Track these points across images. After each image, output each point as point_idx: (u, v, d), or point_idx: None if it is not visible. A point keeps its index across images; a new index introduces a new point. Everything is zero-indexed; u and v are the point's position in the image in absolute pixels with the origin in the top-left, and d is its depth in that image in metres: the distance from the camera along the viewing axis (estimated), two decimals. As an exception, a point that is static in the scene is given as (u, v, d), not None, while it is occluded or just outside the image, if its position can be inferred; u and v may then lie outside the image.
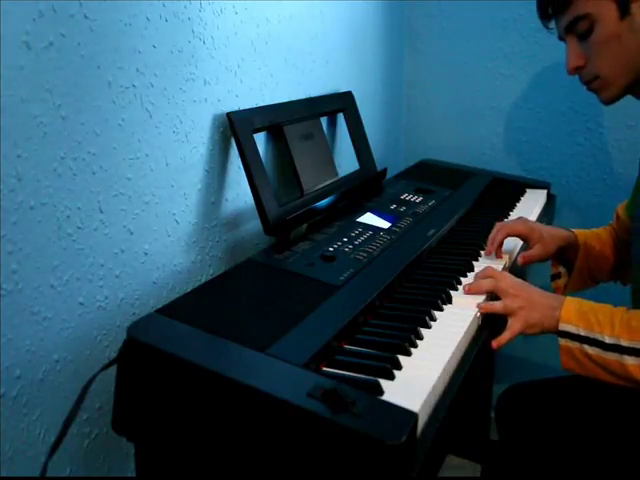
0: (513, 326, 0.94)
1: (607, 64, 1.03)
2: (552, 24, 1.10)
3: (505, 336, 0.93)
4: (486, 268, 1.01)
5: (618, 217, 1.29)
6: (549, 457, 1.08)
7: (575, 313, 0.93)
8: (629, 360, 0.88)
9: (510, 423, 1.21)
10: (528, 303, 0.94)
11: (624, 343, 0.89)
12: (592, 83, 1.07)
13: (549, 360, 1.85)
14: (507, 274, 1.00)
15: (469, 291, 0.98)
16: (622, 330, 0.89)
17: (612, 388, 0.95)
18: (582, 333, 0.92)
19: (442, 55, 1.88)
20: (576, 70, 1.07)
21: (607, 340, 0.90)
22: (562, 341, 0.94)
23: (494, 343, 0.93)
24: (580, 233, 1.26)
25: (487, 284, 0.97)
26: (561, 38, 1.09)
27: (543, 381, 1.24)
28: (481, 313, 0.93)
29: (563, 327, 0.93)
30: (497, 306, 0.95)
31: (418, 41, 1.90)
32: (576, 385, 1.18)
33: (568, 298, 0.96)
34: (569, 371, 0.96)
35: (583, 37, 1.03)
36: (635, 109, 1.65)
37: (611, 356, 0.90)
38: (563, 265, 1.29)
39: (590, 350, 0.91)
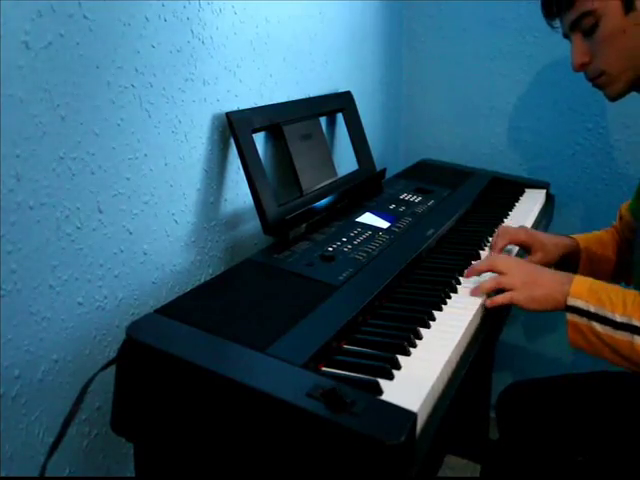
0: (512, 294, 0.94)
1: (612, 59, 1.03)
2: (557, 22, 1.10)
3: (500, 298, 0.94)
4: (487, 258, 1.02)
5: (621, 217, 1.28)
6: (549, 456, 1.08)
7: (586, 290, 0.92)
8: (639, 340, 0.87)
9: (510, 421, 1.21)
10: (532, 279, 0.95)
11: (636, 323, 0.87)
12: (598, 79, 1.07)
13: (549, 359, 1.85)
14: (507, 261, 1.00)
15: (475, 292, 0.97)
16: (634, 310, 0.88)
17: (613, 386, 0.95)
18: (592, 310, 0.90)
19: (441, 55, 1.88)
20: (582, 67, 1.07)
21: (618, 319, 0.88)
22: (570, 316, 0.92)
23: (488, 301, 0.94)
24: (581, 239, 1.25)
25: (490, 284, 0.96)
26: (566, 36, 1.09)
27: (544, 379, 1.24)
28: (485, 305, 0.93)
29: (572, 302, 0.91)
30: (505, 299, 0.94)
31: (417, 41, 1.90)
32: (577, 384, 1.18)
33: (578, 276, 0.95)
34: (576, 348, 0.94)
35: (588, 33, 1.03)
36: (634, 109, 1.66)
37: (621, 335, 0.88)
38: (565, 270, 1.28)
39: (599, 328, 0.90)
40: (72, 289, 0.84)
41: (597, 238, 1.28)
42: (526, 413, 1.18)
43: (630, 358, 0.89)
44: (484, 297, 0.97)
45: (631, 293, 0.91)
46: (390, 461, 0.59)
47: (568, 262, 1.25)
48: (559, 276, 0.96)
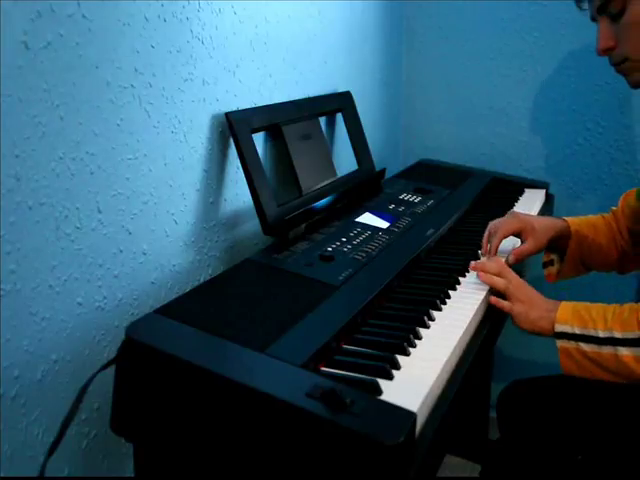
0: (512, 306, 0.99)
1: (637, 46, 1.02)
2: (585, 5, 1.09)
3: (503, 303, 1.00)
4: (498, 262, 1.05)
5: (625, 203, 1.28)
6: (550, 455, 1.08)
7: (570, 313, 0.96)
8: (623, 351, 0.90)
9: (511, 420, 1.21)
10: (530, 302, 1.00)
11: (617, 335, 0.90)
12: (621, 65, 1.06)
13: (548, 358, 1.84)
14: (515, 276, 1.03)
15: (482, 279, 1.01)
16: (614, 322, 0.91)
17: (614, 386, 0.95)
18: (577, 331, 0.94)
19: (441, 55, 1.88)
20: (606, 52, 1.07)
21: (601, 334, 0.91)
22: (559, 342, 0.96)
23: (493, 298, 0.99)
24: (573, 222, 1.26)
25: (500, 284, 1.01)
26: (593, 19, 1.09)
27: (544, 378, 1.24)
28: (488, 302, 0.99)
29: (559, 328, 0.95)
30: (506, 306, 1.00)
31: (417, 41, 1.90)
32: (578, 383, 1.18)
33: (564, 302, 0.99)
34: (570, 374, 0.97)
35: (615, 18, 1.03)
36: (634, 109, 1.66)
37: (606, 350, 0.91)
38: (556, 253, 1.30)
39: (586, 347, 0.93)
40: (71, 289, 0.83)
41: (590, 223, 1.28)
42: (527, 412, 1.18)
43: (619, 372, 0.92)
44: (484, 295, 0.98)
45: (611, 307, 0.94)
46: (389, 461, 0.59)
47: (558, 244, 1.26)
48: (549, 304, 1.00)
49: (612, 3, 1.02)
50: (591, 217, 1.31)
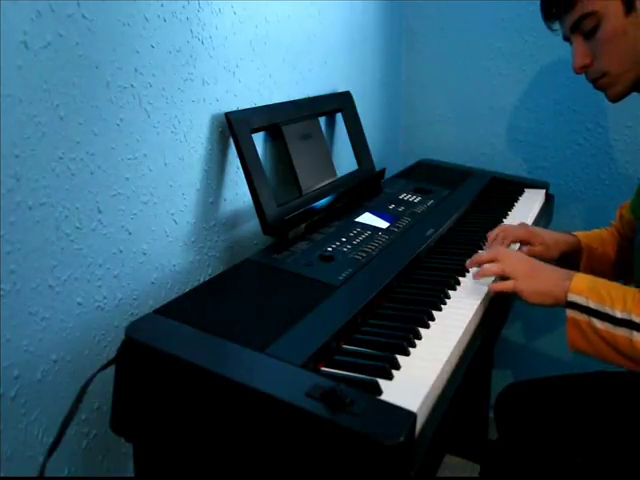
0: (515, 283, 0.96)
1: (614, 60, 1.03)
2: (556, 25, 1.10)
3: (503, 284, 0.96)
4: (490, 249, 1.04)
5: (621, 217, 1.29)
6: (548, 456, 1.08)
7: (586, 286, 0.92)
8: (638, 337, 0.87)
9: (509, 421, 1.21)
10: (534, 273, 0.97)
11: (635, 319, 0.87)
12: (599, 81, 1.07)
13: (548, 359, 1.85)
14: (511, 253, 1.01)
15: (478, 276, 0.99)
16: (635, 306, 0.88)
17: (611, 386, 0.95)
18: (592, 306, 0.90)
19: (440, 55, 1.88)
20: (583, 69, 1.07)
21: (618, 315, 0.88)
22: (570, 313, 0.92)
23: (491, 286, 0.97)
24: (582, 236, 1.26)
25: (493, 269, 0.98)
26: (566, 38, 1.09)
27: (542, 380, 1.24)
28: (489, 292, 0.97)
29: (572, 298, 0.92)
30: (508, 285, 0.97)
31: (416, 41, 1.90)
32: (575, 384, 1.19)
33: (579, 273, 0.96)
34: (576, 349, 0.94)
35: (589, 35, 1.04)
36: (634, 109, 1.66)
37: (620, 332, 0.88)
38: (566, 267, 1.29)
39: (599, 324, 0.90)
40: (71, 289, 0.83)
41: (597, 235, 1.28)
42: (525, 413, 1.18)
43: (630, 355, 0.89)
44: (484, 295, 0.97)
45: (631, 290, 0.92)
46: (389, 461, 0.59)
47: (569, 259, 1.25)
48: (560, 273, 0.97)
49: (585, 21, 1.02)
50: (596, 231, 1.31)
